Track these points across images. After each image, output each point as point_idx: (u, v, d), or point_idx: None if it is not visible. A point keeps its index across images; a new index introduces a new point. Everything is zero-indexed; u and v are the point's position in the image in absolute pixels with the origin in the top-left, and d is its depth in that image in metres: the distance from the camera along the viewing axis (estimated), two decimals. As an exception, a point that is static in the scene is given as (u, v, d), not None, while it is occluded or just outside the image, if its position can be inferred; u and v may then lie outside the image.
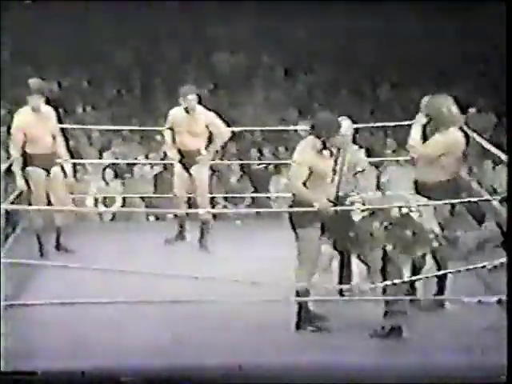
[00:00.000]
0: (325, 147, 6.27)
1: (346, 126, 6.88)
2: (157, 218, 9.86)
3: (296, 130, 11.14)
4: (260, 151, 10.94)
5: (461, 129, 6.64)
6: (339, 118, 6.61)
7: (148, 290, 6.59)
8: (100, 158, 10.64)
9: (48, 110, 8.00)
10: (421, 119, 6.54)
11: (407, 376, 5.67)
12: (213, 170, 8.41)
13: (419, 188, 6.59)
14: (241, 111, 12.12)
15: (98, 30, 12.32)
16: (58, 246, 8.05)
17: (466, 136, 6.72)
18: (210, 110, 8.06)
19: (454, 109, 6.52)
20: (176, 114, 8.11)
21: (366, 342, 5.99)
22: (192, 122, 8.04)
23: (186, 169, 8.14)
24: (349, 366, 5.78)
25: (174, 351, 5.94)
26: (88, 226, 9.33)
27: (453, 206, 6.62)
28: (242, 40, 13.11)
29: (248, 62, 13.07)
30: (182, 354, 5.91)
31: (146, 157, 10.62)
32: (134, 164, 10.43)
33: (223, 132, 8.12)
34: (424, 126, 6.53)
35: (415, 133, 6.56)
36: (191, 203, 8.41)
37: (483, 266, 6.51)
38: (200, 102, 8.04)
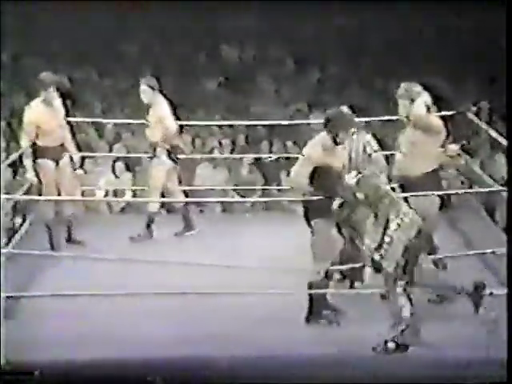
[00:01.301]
0: (336, 143, 6.20)
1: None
2: (168, 211, 9.86)
3: (309, 124, 11.14)
4: (271, 143, 10.93)
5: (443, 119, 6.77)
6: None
7: (159, 282, 6.61)
8: (110, 151, 10.65)
9: (58, 103, 8.04)
10: (428, 99, 6.61)
11: (416, 370, 5.68)
12: (174, 160, 8.34)
13: (403, 182, 6.60)
14: (250, 104, 12.11)
15: (106, 24, 12.32)
16: (68, 238, 8.06)
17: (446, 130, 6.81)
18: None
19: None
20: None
21: (374, 334, 5.99)
22: (150, 113, 8.09)
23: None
24: (358, 359, 5.80)
25: (183, 343, 5.95)
26: (98, 218, 9.34)
27: (442, 198, 6.66)
28: (252, 33, 13.08)
29: (257, 55, 13.04)
30: (190, 345, 5.92)
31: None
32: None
33: (167, 125, 8.07)
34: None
35: (421, 108, 6.59)
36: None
37: (484, 253, 6.53)
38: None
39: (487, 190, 7.81)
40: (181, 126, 8.73)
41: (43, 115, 7.85)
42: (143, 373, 5.47)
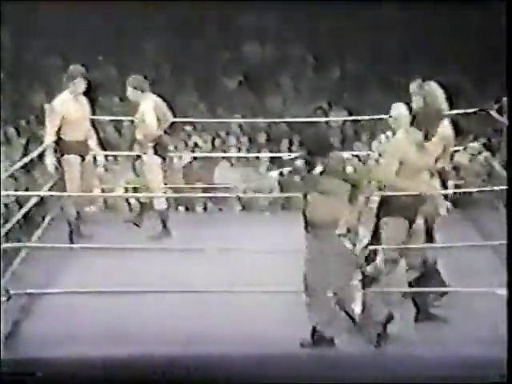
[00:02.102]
0: (426, 138, 6.01)
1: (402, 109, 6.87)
2: (186, 209, 9.86)
3: (327, 122, 11.11)
4: (290, 142, 10.92)
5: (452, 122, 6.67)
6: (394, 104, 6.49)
7: (172, 280, 6.61)
8: (130, 149, 10.67)
9: (84, 97, 8.08)
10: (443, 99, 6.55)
11: (415, 370, 5.64)
12: (163, 157, 8.25)
13: None
14: (270, 103, 12.10)
15: (126, 22, 12.34)
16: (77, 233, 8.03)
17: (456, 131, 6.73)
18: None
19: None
20: None
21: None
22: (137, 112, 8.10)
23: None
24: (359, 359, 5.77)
25: (196, 341, 5.94)
26: (117, 216, 9.34)
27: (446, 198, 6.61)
28: (272, 31, 13.07)
29: (277, 53, 13.02)
30: (204, 344, 5.91)
31: (175, 147, 10.62)
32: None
33: (147, 123, 8.00)
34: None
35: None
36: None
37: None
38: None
39: (486, 189, 7.81)
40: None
41: (69, 105, 7.88)
42: (150, 371, 5.47)
